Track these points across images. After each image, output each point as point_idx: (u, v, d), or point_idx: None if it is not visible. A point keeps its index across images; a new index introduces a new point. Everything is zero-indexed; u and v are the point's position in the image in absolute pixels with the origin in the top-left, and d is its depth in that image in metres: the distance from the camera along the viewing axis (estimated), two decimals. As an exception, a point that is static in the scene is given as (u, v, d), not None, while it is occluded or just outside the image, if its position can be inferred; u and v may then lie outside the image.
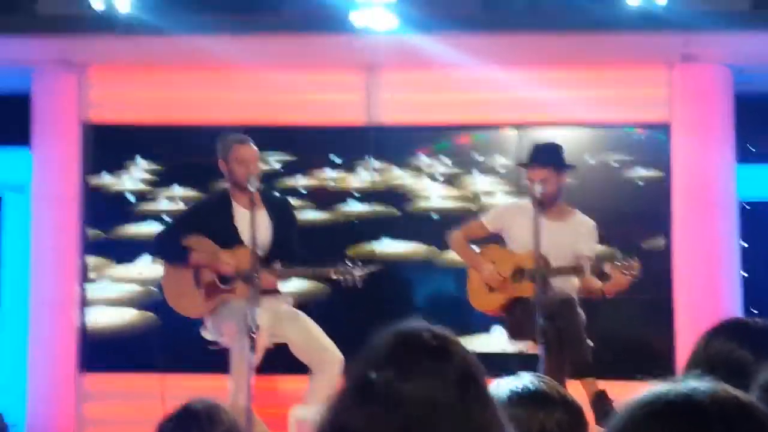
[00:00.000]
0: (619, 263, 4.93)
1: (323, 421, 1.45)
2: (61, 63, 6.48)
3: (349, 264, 4.96)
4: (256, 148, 5.20)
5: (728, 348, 1.98)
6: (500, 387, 2.02)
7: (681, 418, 1.13)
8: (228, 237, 5.09)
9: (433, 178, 6.52)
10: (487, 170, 6.50)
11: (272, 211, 5.24)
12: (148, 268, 6.43)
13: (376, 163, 6.53)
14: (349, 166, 6.55)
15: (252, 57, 6.31)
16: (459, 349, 1.50)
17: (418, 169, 6.53)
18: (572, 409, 2.01)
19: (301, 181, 6.52)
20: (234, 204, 5.16)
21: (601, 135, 6.45)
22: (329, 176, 6.56)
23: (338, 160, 6.56)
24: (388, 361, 1.46)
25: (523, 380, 2.01)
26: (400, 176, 6.53)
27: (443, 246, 6.14)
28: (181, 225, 5.37)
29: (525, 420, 1.94)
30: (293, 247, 5.18)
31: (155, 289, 6.30)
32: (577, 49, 6.20)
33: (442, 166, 6.53)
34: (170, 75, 6.59)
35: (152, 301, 6.37)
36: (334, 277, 4.95)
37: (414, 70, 6.46)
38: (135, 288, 6.52)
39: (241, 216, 5.06)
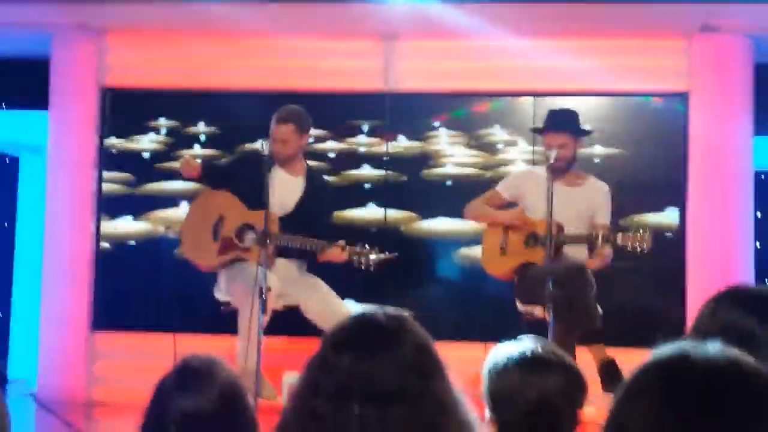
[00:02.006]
0: (632, 234, 4.95)
1: (289, 407, 1.52)
2: (79, 27, 6.52)
3: (366, 247, 4.98)
4: (296, 127, 5.25)
5: (735, 315, 2.00)
6: (499, 352, 2.05)
7: (693, 383, 1.14)
8: (256, 195, 5.08)
9: (445, 145, 6.53)
10: (504, 139, 6.50)
11: (310, 181, 5.33)
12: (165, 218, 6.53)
13: (390, 129, 6.54)
14: (361, 132, 6.56)
15: (270, 24, 6.32)
16: (414, 329, 1.56)
17: (434, 137, 6.54)
18: (570, 373, 2.03)
19: (317, 146, 6.52)
20: (276, 167, 5.20)
21: (619, 104, 6.43)
22: (347, 141, 6.58)
23: (355, 127, 6.57)
24: (347, 344, 1.53)
25: (522, 345, 2.04)
26: (412, 143, 6.55)
27: (459, 215, 6.15)
28: (223, 168, 5.52)
29: (521, 385, 1.97)
30: (317, 226, 5.19)
31: (169, 243, 6.38)
32: (596, 18, 6.17)
33: (459, 133, 6.54)
34: (188, 40, 6.61)
35: (165, 260, 6.43)
36: (346, 256, 4.97)
37: (431, 38, 6.45)
38: (148, 245, 6.59)
39: (276, 178, 5.09)
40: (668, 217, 6.29)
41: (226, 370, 2.01)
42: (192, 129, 6.67)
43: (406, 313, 1.59)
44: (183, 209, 6.43)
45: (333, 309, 5.11)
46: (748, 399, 1.12)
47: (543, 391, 2.00)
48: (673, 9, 6.00)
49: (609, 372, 4.81)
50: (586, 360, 4.93)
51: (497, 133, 6.50)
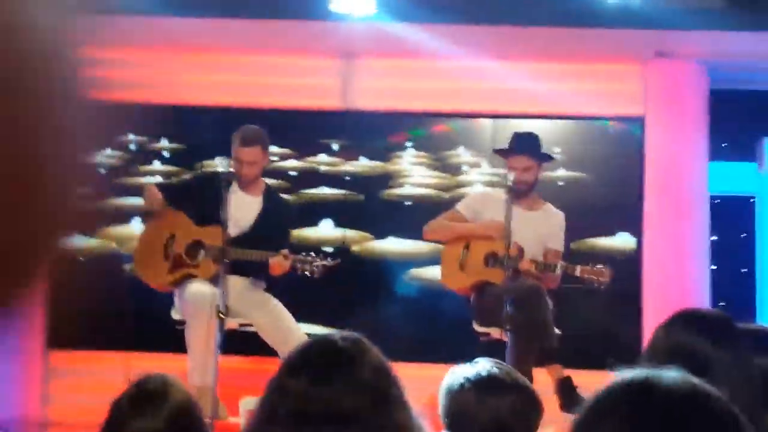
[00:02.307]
0: (589, 267, 5.02)
1: (248, 428, 1.51)
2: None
3: (311, 254, 4.97)
4: (261, 149, 5.20)
5: (688, 338, 2.02)
6: (455, 373, 2.06)
7: (648, 408, 1.15)
8: (209, 214, 5.06)
9: (406, 165, 6.55)
10: (468, 160, 6.53)
11: (268, 201, 5.30)
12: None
13: (349, 148, 6.55)
14: (321, 150, 6.56)
15: (231, 40, 6.31)
16: (371, 353, 1.56)
17: (396, 157, 6.55)
18: (525, 395, 2.04)
19: (277, 164, 6.50)
20: (235, 186, 5.16)
21: (576, 127, 6.50)
22: (308, 160, 6.57)
23: (316, 146, 6.56)
24: (303, 367, 1.53)
25: (479, 367, 2.05)
26: (372, 163, 6.55)
27: (415, 235, 6.17)
28: (177, 187, 5.52)
29: (476, 405, 1.98)
30: (276, 241, 5.14)
31: (123, 260, 6.32)
32: (554, 42, 6.23)
33: (417, 153, 6.55)
34: (149, 55, 6.56)
35: (120, 279, 6.37)
36: (289, 264, 4.94)
37: (390, 57, 6.47)
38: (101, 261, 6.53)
39: (233, 197, 5.04)
40: (620, 241, 6.34)
41: (181, 392, 1.99)
42: (151, 145, 6.61)
43: (361, 336, 1.58)
44: (135, 226, 6.38)
45: (285, 329, 5.09)
46: (711, 424, 1.13)
47: (497, 412, 2.01)
48: (628, 35, 6.08)
49: (566, 390, 4.83)
50: (543, 381, 4.96)
51: (461, 155, 6.52)
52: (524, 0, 6.03)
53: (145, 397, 1.96)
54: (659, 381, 1.16)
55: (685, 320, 2.07)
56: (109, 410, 2.00)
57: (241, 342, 5.32)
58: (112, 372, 5.95)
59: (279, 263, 4.96)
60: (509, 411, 2.01)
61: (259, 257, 4.99)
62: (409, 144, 6.55)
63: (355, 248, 6.45)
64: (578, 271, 5.01)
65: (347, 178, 6.54)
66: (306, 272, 4.93)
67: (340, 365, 1.52)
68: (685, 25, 5.93)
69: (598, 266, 5.02)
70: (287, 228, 5.32)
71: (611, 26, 5.96)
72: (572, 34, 6.12)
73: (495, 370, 2.07)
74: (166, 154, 6.61)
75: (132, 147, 6.61)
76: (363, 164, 6.56)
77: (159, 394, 1.95)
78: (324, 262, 4.96)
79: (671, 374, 1.18)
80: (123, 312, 6.32)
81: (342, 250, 6.38)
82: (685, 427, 1.12)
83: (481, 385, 2.03)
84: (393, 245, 6.45)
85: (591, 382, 4.77)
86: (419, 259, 6.37)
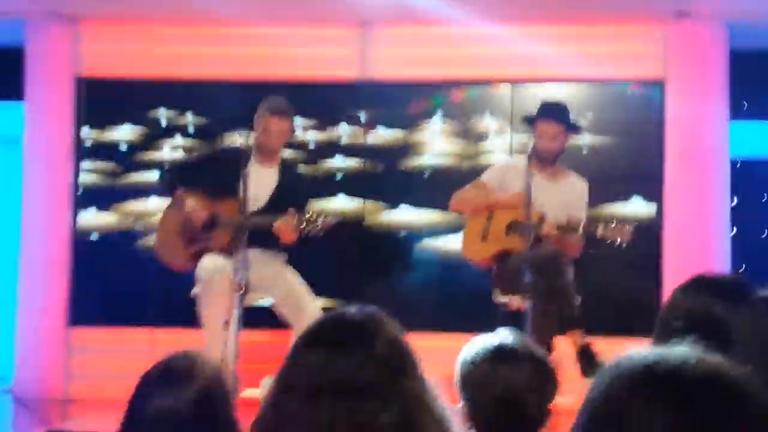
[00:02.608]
0: (612, 225, 5.01)
1: (264, 404, 1.52)
2: (53, 15, 6.45)
3: (312, 215, 4.97)
4: (290, 121, 5.24)
5: (701, 301, 2.01)
6: (472, 344, 2.07)
7: (667, 392, 1.13)
8: (225, 189, 5.10)
9: (427, 135, 6.52)
10: (484, 127, 6.50)
11: (284, 174, 5.32)
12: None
13: (368, 119, 6.53)
14: (339, 122, 6.54)
15: (245, 12, 6.29)
16: (387, 326, 1.57)
17: (411, 125, 6.53)
18: (540, 367, 2.05)
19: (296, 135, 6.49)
20: (252, 159, 5.16)
21: (596, 91, 6.44)
22: (327, 131, 6.56)
23: (328, 116, 6.55)
24: (318, 341, 1.54)
25: (494, 338, 2.05)
26: (392, 132, 6.54)
27: (432, 205, 6.17)
28: (190, 165, 5.50)
29: (490, 376, 1.98)
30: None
31: (146, 240, 6.36)
32: (572, 5, 6.17)
33: (437, 122, 6.53)
34: (163, 29, 6.56)
35: (143, 253, 6.40)
36: (293, 223, 4.93)
37: (407, 25, 6.43)
38: (122, 237, 6.56)
39: (253, 171, 5.04)
40: (640, 206, 6.30)
41: (210, 370, 2.00)
42: (171, 119, 6.62)
43: (377, 309, 1.59)
44: (153, 201, 6.41)
45: (300, 303, 5.12)
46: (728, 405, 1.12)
47: (511, 382, 2.02)
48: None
49: (587, 357, 4.83)
50: (564, 347, 4.97)
51: (483, 122, 6.48)
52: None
53: (171, 374, 1.97)
54: (684, 367, 1.14)
55: (703, 284, 2.07)
56: (135, 387, 2.01)
57: (263, 315, 5.35)
58: (137, 347, 6.03)
59: (284, 225, 4.94)
60: (522, 383, 2.02)
61: (265, 222, 4.98)
62: (430, 113, 6.52)
63: (369, 219, 6.44)
64: (600, 229, 4.99)
65: (367, 149, 6.52)
66: (310, 233, 4.92)
67: (355, 338, 1.52)
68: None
69: (620, 224, 5.00)
70: (303, 200, 5.32)
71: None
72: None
73: (510, 341, 2.08)
74: (188, 128, 6.61)
75: (153, 121, 6.61)
76: (383, 134, 6.54)
77: (185, 373, 1.96)
78: (328, 220, 4.96)
79: (694, 357, 1.16)
80: (146, 288, 6.37)
81: (357, 221, 6.38)
82: (699, 410, 1.11)
83: (495, 356, 2.04)
84: (406, 215, 6.44)
85: (612, 349, 4.78)
86: (435, 229, 6.37)
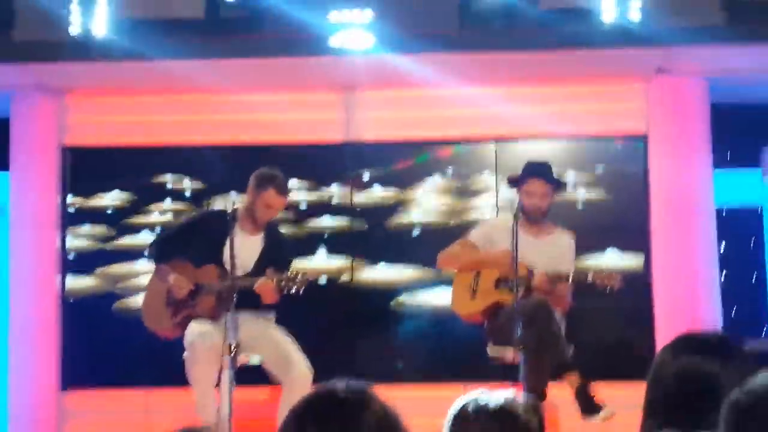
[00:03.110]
0: (601, 273, 5.11)
1: None
2: (39, 88, 6.51)
3: (291, 273, 4.99)
4: (287, 196, 5.32)
5: (694, 360, 2.01)
6: (460, 402, 2.06)
7: None
8: (208, 255, 5.13)
9: (414, 193, 6.55)
10: (468, 187, 6.53)
11: (268, 236, 5.33)
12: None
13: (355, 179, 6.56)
14: (328, 183, 6.58)
15: (230, 80, 6.34)
16: (375, 402, 1.56)
17: (397, 185, 6.56)
18: (528, 424, 2.02)
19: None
20: (237, 227, 5.16)
21: (580, 148, 6.50)
22: (308, 193, 6.58)
23: (317, 178, 6.58)
24: (307, 419, 1.53)
25: (484, 396, 2.04)
26: (379, 192, 6.57)
27: (426, 262, 6.18)
28: (173, 236, 5.50)
29: None
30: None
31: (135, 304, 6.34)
32: (554, 65, 6.25)
33: (423, 182, 6.56)
34: (148, 99, 6.61)
35: (134, 316, 6.38)
36: (274, 283, 4.96)
37: (391, 88, 6.50)
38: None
39: (238, 237, 5.09)
40: (627, 257, 6.33)
41: None
42: (158, 184, 6.64)
43: (366, 385, 1.58)
44: (140, 264, 6.42)
45: (287, 360, 5.13)
46: None
47: None
48: (629, 54, 6.08)
49: (583, 396, 4.87)
50: (560, 393, 4.99)
51: (470, 180, 6.51)
52: (521, 25, 6.05)
53: None
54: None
55: (690, 342, 2.06)
56: None
57: (259, 373, 5.34)
58: (131, 409, 6.00)
59: (264, 285, 4.98)
60: None
61: (246, 283, 5.00)
62: (417, 172, 6.56)
63: (345, 277, 6.43)
64: (590, 276, 5.07)
65: (354, 208, 6.55)
66: (291, 290, 4.94)
67: (344, 416, 1.52)
68: (686, 41, 5.94)
69: (609, 272, 5.11)
70: (287, 261, 5.33)
71: (611, 46, 5.98)
72: (572, 56, 6.13)
73: (501, 399, 2.06)
74: (175, 192, 6.63)
75: (139, 187, 6.64)
76: (368, 194, 6.57)
77: None
78: (306, 278, 4.98)
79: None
80: (137, 348, 6.35)
81: (334, 280, 6.39)
82: None
83: (485, 414, 2.02)
84: (386, 272, 6.44)
85: (609, 393, 4.86)
86: (423, 283, 6.37)
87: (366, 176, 6.57)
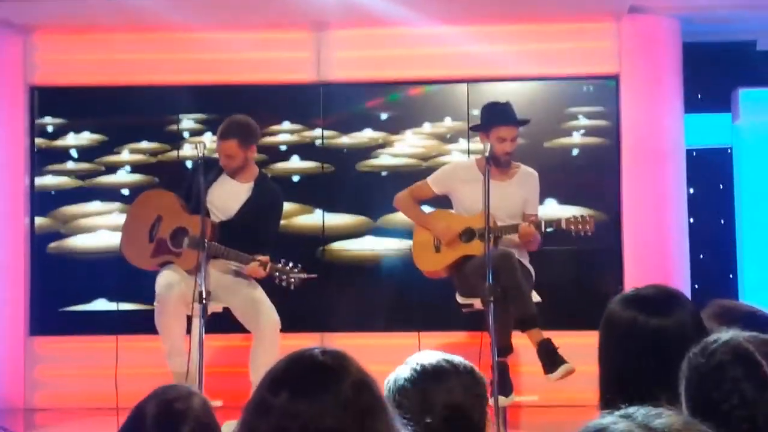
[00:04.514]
0: (573, 218, 5.03)
1: None
2: (5, 25, 6.39)
3: (289, 264, 4.94)
4: (233, 141, 5.11)
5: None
6: (394, 375, 2.06)
7: None
8: (197, 200, 5.04)
9: (380, 134, 6.52)
10: (436, 128, 6.51)
11: (258, 189, 5.21)
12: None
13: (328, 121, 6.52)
14: (299, 124, 6.53)
15: (199, 18, 6.26)
16: (352, 367, 1.54)
17: (367, 126, 6.52)
18: (471, 375, 2.04)
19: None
20: (224, 174, 5.17)
21: (551, 88, 6.48)
22: (280, 134, 6.54)
23: (288, 118, 6.54)
24: (283, 381, 1.51)
25: (419, 359, 2.04)
26: (348, 134, 6.53)
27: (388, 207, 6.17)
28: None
29: (427, 396, 1.97)
30: (261, 234, 5.12)
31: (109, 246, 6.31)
32: (526, 3, 6.21)
33: (390, 122, 6.53)
34: (115, 37, 6.50)
35: (106, 259, 6.35)
36: (264, 273, 4.93)
37: (361, 27, 6.43)
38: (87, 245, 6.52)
39: (223, 184, 5.09)
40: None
41: (200, 404, 1.99)
42: (127, 125, 6.57)
43: (342, 351, 1.57)
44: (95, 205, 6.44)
45: (252, 312, 5.11)
46: None
47: (449, 395, 2.00)
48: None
49: (547, 352, 4.81)
50: (523, 345, 5.00)
51: (440, 122, 6.49)
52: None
53: (169, 411, 1.95)
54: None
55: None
56: (130, 415, 1.99)
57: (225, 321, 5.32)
58: (99, 356, 5.97)
59: (255, 271, 4.97)
60: (461, 394, 2.01)
61: (238, 259, 4.99)
62: (384, 114, 6.52)
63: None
64: (563, 223, 5.02)
65: (323, 150, 6.51)
66: (283, 283, 4.92)
67: (320, 381, 1.50)
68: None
69: (582, 217, 5.04)
70: (274, 219, 5.26)
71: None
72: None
73: (434, 359, 2.06)
74: (145, 132, 6.57)
75: (108, 128, 6.57)
76: (339, 135, 6.54)
77: (182, 410, 1.96)
78: (301, 275, 4.92)
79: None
80: (108, 294, 6.34)
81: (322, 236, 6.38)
82: None
83: (424, 377, 2.02)
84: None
85: (574, 343, 4.86)
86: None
87: (338, 117, 6.52)
